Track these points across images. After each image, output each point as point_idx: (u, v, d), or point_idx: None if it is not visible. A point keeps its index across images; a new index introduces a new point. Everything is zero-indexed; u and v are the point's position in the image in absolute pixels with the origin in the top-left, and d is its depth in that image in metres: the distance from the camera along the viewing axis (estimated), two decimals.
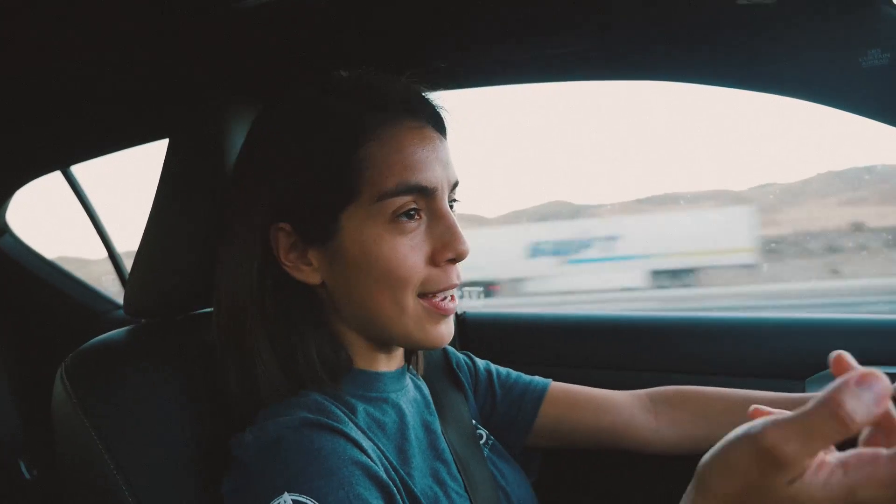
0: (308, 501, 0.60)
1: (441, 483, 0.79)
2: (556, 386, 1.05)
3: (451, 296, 0.78)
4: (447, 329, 0.79)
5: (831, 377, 1.28)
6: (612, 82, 1.20)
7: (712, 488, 0.43)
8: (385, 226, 0.73)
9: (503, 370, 1.08)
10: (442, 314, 0.77)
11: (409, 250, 0.74)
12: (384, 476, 0.67)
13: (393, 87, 0.77)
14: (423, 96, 0.79)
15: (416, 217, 0.75)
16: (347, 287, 0.76)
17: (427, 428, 0.86)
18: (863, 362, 1.20)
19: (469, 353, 1.10)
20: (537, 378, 1.07)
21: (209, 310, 0.92)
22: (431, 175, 0.75)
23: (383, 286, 0.74)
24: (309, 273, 0.77)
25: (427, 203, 0.76)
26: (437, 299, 0.76)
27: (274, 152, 0.77)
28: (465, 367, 1.05)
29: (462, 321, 1.58)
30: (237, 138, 0.88)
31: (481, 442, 0.94)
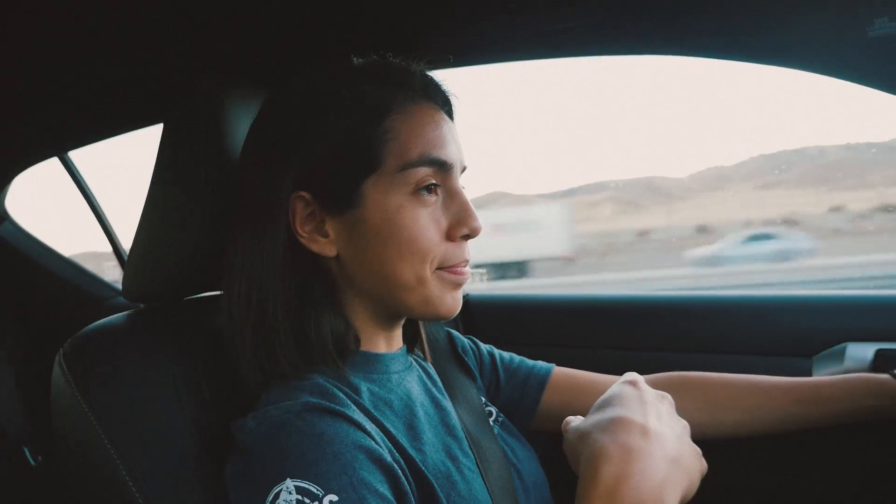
0: (311, 487, 0.59)
1: (453, 458, 0.79)
2: (559, 371, 1.05)
3: (465, 264, 0.81)
4: (460, 298, 0.81)
5: (838, 354, 1.27)
6: (557, 64, 1.19)
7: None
8: (407, 196, 0.75)
9: (506, 355, 1.08)
10: (459, 280, 0.79)
11: (429, 222, 0.76)
12: (388, 459, 0.66)
13: (413, 71, 0.81)
14: (438, 83, 0.83)
15: (434, 192, 0.77)
16: (365, 257, 0.76)
17: (437, 405, 0.86)
18: (872, 339, 1.20)
19: (472, 337, 1.10)
20: (540, 363, 1.07)
21: (208, 294, 0.92)
22: (449, 152, 0.78)
23: (404, 256, 0.75)
24: (325, 244, 0.77)
25: (444, 179, 0.78)
26: (454, 267, 0.79)
27: (297, 125, 0.77)
28: (471, 352, 1.05)
29: (465, 302, 1.57)
30: (232, 122, 0.87)
31: (491, 419, 0.94)
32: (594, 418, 0.70)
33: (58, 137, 1.68)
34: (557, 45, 1.12)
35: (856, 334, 1.16)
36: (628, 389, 0.72)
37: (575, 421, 0.74)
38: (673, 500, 0.61)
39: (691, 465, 0.65)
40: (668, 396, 0.73)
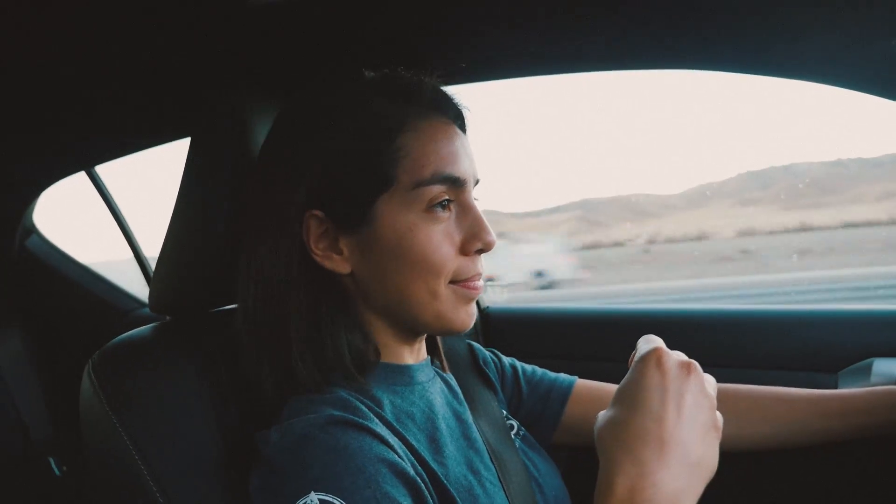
0: (335, 501, 0.59)
1: (475, 472, 0.79)
2: (581, 383, 1.04)
3: (478, 278, 0.81)
4: (473, 311, 0.81)
5: (865, 370, 1.25)
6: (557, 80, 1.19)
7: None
8: (420, 214, 0.75)
9: (528, 367, 1.08)
10: (471, 295, 0.79)
11: (442, 239, 0.76)
12: (411, 472, 0.66)
13: (425, 85, 0.80)
14: (450, 96, 0.82)
15: (448, 208, 0.77)
16: (379, 274, 0.77)
17: (458, 417, 0.86)
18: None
19: (494, 349, 1.10)
20: (563, 375, 1.07)
21: (234, 306, 0.93)
22: (462, 167, 0.78)
23: (417, 273, 0.75)
24: (339, 262, 0.77)
25: (457, 195, 0.78)
26: (468, 281, 0.79)
27: (309, 143, 0.77)
28: (492, 364, 1.05)
29: (485, 316, 1.57)
30: (258, 135, 0.88)
31: (512, 433, 0.94)
32: (615, 416, 0.64)
33: (84, 153, 1.71)
34: (567, 60, 1.12)
35: (882, 349, 1.14)
36: (651, 377, 0.64)
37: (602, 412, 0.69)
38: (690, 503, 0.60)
39: (712, 455, 0.63)
40: (696, 366, 0.66)
